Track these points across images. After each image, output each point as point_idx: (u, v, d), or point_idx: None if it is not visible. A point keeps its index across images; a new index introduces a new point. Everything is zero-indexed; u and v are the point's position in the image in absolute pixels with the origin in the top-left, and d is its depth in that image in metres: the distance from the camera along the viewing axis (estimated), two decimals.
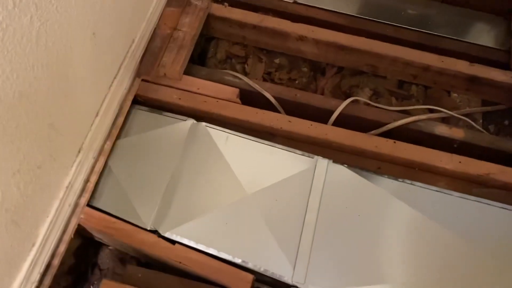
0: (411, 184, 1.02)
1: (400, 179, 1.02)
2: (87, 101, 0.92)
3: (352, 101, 1.17)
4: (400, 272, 0.93)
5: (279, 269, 0.93)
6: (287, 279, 0.92)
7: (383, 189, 1.01)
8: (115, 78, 1.02)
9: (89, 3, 0.81)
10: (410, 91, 1.30)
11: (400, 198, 1.00)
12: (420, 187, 1.02)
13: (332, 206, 0.99)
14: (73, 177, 0.91)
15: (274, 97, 1.17)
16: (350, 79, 1.32)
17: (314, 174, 1.02)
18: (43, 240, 0.85)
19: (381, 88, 1.29)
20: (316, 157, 1.04)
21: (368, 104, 1.20)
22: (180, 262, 0.92)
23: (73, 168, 0.91)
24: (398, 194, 1.00)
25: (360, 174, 1.02)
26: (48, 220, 0.86)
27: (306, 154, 1.05)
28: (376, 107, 1.20)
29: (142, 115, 1.11)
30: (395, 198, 1.00)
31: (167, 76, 1.12)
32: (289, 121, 1.10)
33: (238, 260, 0.93)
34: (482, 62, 1.21)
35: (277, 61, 1.34)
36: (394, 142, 1.08)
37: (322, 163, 1.03)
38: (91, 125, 0.96)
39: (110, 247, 1.17)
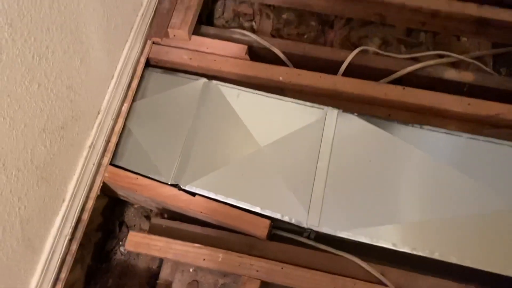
0: (420, 128, 1.04)
1: (409, 124, 1.04)
2: (102, 64, 0.95)
3: (361, 51, 1.18)
4: (411, 212, 0.97)
5: (294, 214, 0.97)
6: (302, 223, 0.96)
7: (393, 135, 1.03)
8: (127, 41, 1.05)
9: None
10: (419, 38, 1.29)
11: (410, 142, 1.02)
12: (430, 130, 1.04)
13: (343, 153, 1.02)
14: (95, 137, 0.96)
15: (283, 52, 1.19)
16: (359, 30, 1.32)
17: (324, 124, 1.05)
18: (72, 196, 0.91)
19: (390, 37, 1.29)
20: (326, 107, 1.07)
21: (377, 54, 1.21)
22: (201, 212, 0.97)
23: (94, 129, 0.96)
24: (408, 138, 1.03)
25: (370, 121, 1.05)
26: (75, 177, 0.92)
27: (316, 105, 1.07)
28: (385, 55, 1.21)
29: (155, 77, 1.14)
30: (405, 143, 1.02)
31: (176, 38, 1.15)
32: (299, 74, 1.12)
33: (256, 208, 0.98)
34: (491, 3, 1.20)
35: (284, 16, 1.35)
36: (403, 88, 1.09)
37: (332, 112, 1.06)
38: (108, 87, 1.00)
39: (135, 206, 1.23)
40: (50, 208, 0.86)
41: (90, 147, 0.95)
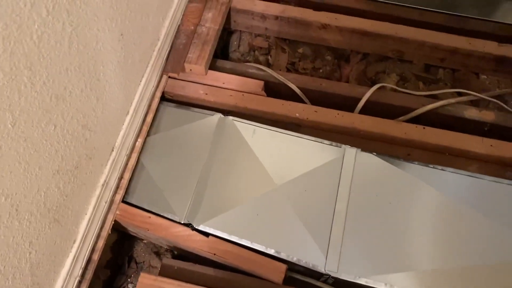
0: (442, 170, 1.01)
1: (430, 165, 1.02)
2: (118, 101, 0.94)
3: (379, 88, 1.16)
4: (432, 258, 0.93)
5: (311, 259, 0.94)
6: (320, 268, 0.93)
7: (414, 176, 1.00)
8: (143, 76, 1.04)
9: (115, 5, 0.83)
10: (438, 75, 1.28)
11: (431, 184, 0.99)
12: (451, 172, 1.01)
13: (362, 195, 0.99)
14: (108, 174, 0.94)
15: (299, 88, 1.17)
16: (376, 65, 1.31)
17: (342, 163, 1.02)
18: (83, 237, 0.88)
19: (407, 73, 1.27)
20: (344, 146, 1.04)
21: (395, 90, 1.19)
22: (214, 254, 0.94)
23: (108, 166, 0.94)
24: (429, 180, 1.00)
25: (389, 162, 1.02)
26: (87, 217, 0.89)
27: (334, 143, 1.05)
28: (404, 92, 1.19)
29: (170, 111, 1.13)
30: (426, 184, 0.99)
31: (193, 72, 1.14)
32: (315, 111, 1.10)
33: (271, 251, 0.95)
34: (511, 42, 1.18)
35: (300, 50, 1.34)
36: (424, 127, 1.07)
37: (351, 152, 1.03)
38: (123, 123, 0.98)
39: (144, 241, 1.20)
40: (61, 250, 0.83)
41: (103, 185, 0.93)
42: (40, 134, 0.69)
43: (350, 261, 0.93)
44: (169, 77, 1.14)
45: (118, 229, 1.09)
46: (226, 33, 1.36)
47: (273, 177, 1.02)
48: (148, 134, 1.08)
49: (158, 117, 1.12)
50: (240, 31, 1.36)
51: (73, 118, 0.77)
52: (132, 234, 1.15)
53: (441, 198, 0.98)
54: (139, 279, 0.94)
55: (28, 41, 0.62)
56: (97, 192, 0.92)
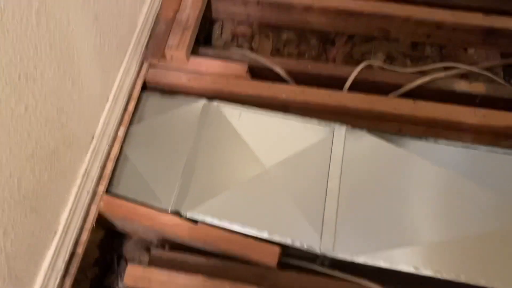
0: (434, 142, 0.98)
1: (423, 138, 0.99)
2: (96, 87, 0.91)
3: (366, 67, 1.13)
4: (431, 232, 0.89)
5: (306, 240, 0.90)
6: (315, 248, 0.89)
7: (406, 150, 0.97)
8: (122, 64, 1.01)
9: None
10: (425, 52, 1.25)
11: (424, 157, 0.96)
12: (445, 144, 0.98)
13: (354, 172, 0.96)
14: (89, 164, 0.90)
15: (285, 71, 1.14)
16: (362, 46, 1.28)
17: (332, 142, 0.99)
18: (65, 228, 0.84)
19: (394, 52, 1.25)
20: (333, 124, 1.01)
21: (382, 69, 1.17)
22: (204, 241, 0.90)
23: (88, 155, 0.90)
24: (422, 153, 0.97)
25: (380, 137, 0.99)
26: (68, 207, 0.85)
27: (323, 122, 1.02)
28: (391, 70, 1.16)
29: (153, 100, 1.09)
30: (419, 158, 0.96)
31: (174, 59, 1.11)
32: (303, 91, 1.07)
33: (263, 234, 0.91)
34: (497, 12, 1.16)
35: (284, 36, 1.32)
36: (414, 101, 1.04)
37: (340, 129, 1.00)
38: (102, 111, 0.95)
39: (134, 238, 1.16)
40: (41, 242, 0.79)
41: (84, 175, 0.89)
42: (8, 114, 0.65)
43: (346, 239, 0.90)
44: (150, 65, 1.10)
45: (104, 225, 1.05)
46: (208, 22, 1.34)
47: (261, 159, 0.99)
48: (130, 123, 1.05)
49: (141, 106, 1.08)
50: (222, 20, 1.33)
51: (46, 101, 0.74)
52: (120, 230, 1.10)
53: (436, 170, 0.95)
54: (127, 271, 0.89)
55: None
56: (78, 181, 0.88)
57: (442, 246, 0.88)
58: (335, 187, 0.94)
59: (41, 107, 0.72)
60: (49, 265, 0.81)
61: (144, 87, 1.10)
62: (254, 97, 1.07)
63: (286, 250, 0.95)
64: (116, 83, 0.98)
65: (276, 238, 0.91)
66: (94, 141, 0.92)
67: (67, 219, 0.85)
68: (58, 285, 0.84)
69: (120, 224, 1.01)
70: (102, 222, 0.99)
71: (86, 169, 0.89)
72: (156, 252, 0.96)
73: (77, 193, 0.87)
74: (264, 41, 1.30)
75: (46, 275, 0.80)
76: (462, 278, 0.85)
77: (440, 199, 0.92)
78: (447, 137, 1.00)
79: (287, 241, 0.90)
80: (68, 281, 0.86)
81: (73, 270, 0.87)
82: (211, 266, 0.92)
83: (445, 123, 1.03)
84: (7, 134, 0.65)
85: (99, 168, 0.94)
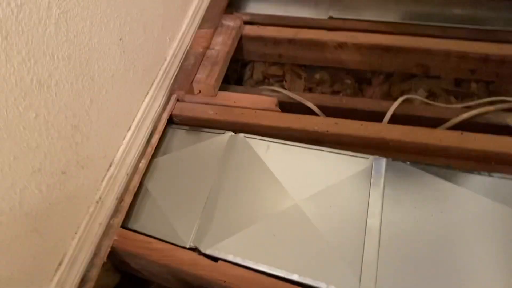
0: (488, 175, 0.86)
1: (475, 172, 0.87)
2: (118, 112, 0.87)
3: (406, 102, 1.05)
4: (492, 283, 0.75)
5: (342, 284, 0.77)
6: None
7: (456, 184, 0.85)
8: (147, 94, 0.98)
9: (113, 5, 0.79)
10: (470, 88, 1.16)
11: (477, 191, 0.84)
12: (500, 177, 0.85)
13: (397, 208, 0.84)
14: (104, 192, 0.84)
15: (317, 106, 1.08)
16: (401, 85, 1.21)
17: (371, 175, 0.89)
18: (71, 259, 0.76)
19: (436, 89, 1.17)
20: (371, 156, 0.92)
21: (425, 103, 1.08)
22: (224, 281, 0.79)
23: (104, 183, 0.84)
24: (474, 187, 0.85)
25: (425, 170, 0.88)
26: (77, 236, 0.78)
27: (359, 154, 0.93)
28: (435, 104, 1.07)
29: (178, 133, 1.04)
30: (470, 192, 0.84)
31: (202, 93, 1.07)
32: (336, 123, 0.99)
33: (293, 276, 0.79)
34: None
35: (317, 76, 1.27)
36: (461, 133, 0.93)
37: (380, 161, 0.90)
38: (123, 139, 0.90)
39: (152, 286, 1.05)
40: (42, 271, 0.71)
41: (97, 202, 0.82)
42: (15, 117, 0.61)
43: (389, 285, 0.76)
44: (178, 99, 1.07)
45: (119, 265, 0.96)
46: (240, 65, 1.32)
47: (291, 193, 0.89)
48: (153, 156, 0.99)
49: (165, 140, 1.03)
50: (254, 61, 1.31)
51: (59, 113, 0.70)
52: (136, 274, 1.01)
53: (495, 207, 0.82)
54: None
55: (3, 5, 0.56)
56: (91, 210, 0.81)
57: None
58: (376, 226, 0.83)
59: (53, 118, 0.68)
60: None
61: (171, 121, 1.07)
62: (284, 129, 1.00)
63: None
64: (140, 112, 0.95)
65: (309, 281, 0.78)
66: (112, 169, 0.86)
67: (74, 250, 0.77)
68: None
69: (135, 264, 0.92)
70: (116, 260, 0.90)
71: (100, 197, 0.83)
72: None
73: (88, 222, 0.80)
74: (296, 81, 1.26)
75: None
76: None
77: (498, 238, 0.78)
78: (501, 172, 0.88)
79: (321, 285, 0.78)
80: None
81: None
82: None
83: (499, 156, 0.91)
84: (12, 138, 0.61)
85: (115, 200, 0.87)
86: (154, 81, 1.00)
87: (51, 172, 0.69)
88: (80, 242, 0.78)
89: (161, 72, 1.02)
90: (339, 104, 1.07)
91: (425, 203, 0.84)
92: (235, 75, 1.30)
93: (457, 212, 0.82)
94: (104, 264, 0.97)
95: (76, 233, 0.78)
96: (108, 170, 0.86)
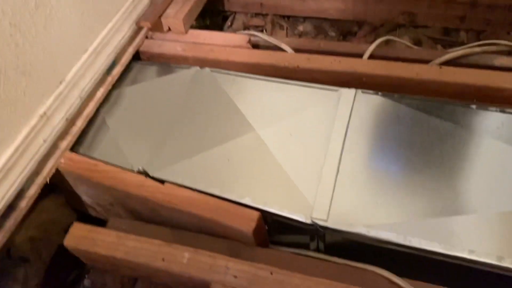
0: (467, 106, 0.78)
1: (449, 102, 0.80)
2: (71, 30, 0.83)
3: (388, 45, 0.99)
4: (452, 204, 0.67)
5: (295, 207, 0.70)
6: (306, 216, 0.69)
7: (433, 116, 0.78)
8: (110, 21, 0.93)
9: None
10: (459, 37, 1.09)
11: (457, 123, 0.76)
12: (477, 108, 0.78)
13: (362, 137, 0.78)
14: (51, 108, 0.79)
15: (294, 49, 1.02)
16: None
17: (338, 104, 0.82)
18: (4, 169, 0.71)
19: (423, 37, 1.10)
20: (340, 89, 0.85)
21: (408, 47, 1.01)
22: (169, 201, 0.73)
23: (51, 98, 0.79)
24: (453, 119, 0.77)
25: (397, 101, 0.81)
26: (13, 146, 0.73)
27: (328, 87, 0.86)
28: (417, 48, 1.00)
29: (143, 68, 0.99)
30: (450, 123, 0.76)
31: (172, 31, 1.03)
32: (308, 58, 0.93)
33: (245, 200, 0.72)
34: None
35: (300, 28, 1.22)
36: (440, 67, 0.87)
37: (348, 92, 0.84)
38: (78, 60, 0.86)
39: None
40: None
41: (42, 116, 0.77)
42: None
43: (347, 207, 0.69)
44: (146, 37, 1.03)
45: (71, 202, 0.91)
46: (222, 18, 1.27)
47: (251, 122, 0.83)
48: (114, 88, 0.95)
49: (130, 74, 0.98)
50: (235, 12, 1.26)
51: None
52: (87, 210, 0.94)
53: (469, 135, 0.74)
54: (70, 229, 0.73)
55: None
56: (33, 122, 0.76)
57: (478, 223, 0.65)
58: (337, 150, 0.76)
59: None
60: None
61: (138, 58, 1.02)
62: (253, 66, 0.95)
63: (275, 236, 0.76)
64: (99, 37, 0.90)
65: (260, 205, 0.72)
66: (62, 87, 0.82)
67: (8, 159, 0.72)
68: None
69: (81, 191, 0.86)
70: (63, 187, 0.85)
71: (45, 112, 0.78)
72: (113, 222, 0.79)
73: (29, 133, 0.75)
74: (278, 32, 1.21)
75: None
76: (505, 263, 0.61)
77: (472, 166, 0.71)
78: None
79: (272, 209, 0.71)
80: (1, 237, 0.70)
81: (9, 225, 0.72)
82: (175, 236, 0.74)
83: (481, 91, 0.83)
84: None
85: (64, 120, 0.82)
86: (119, 10, 0.96)
87: None
88: (17, 153, 0.73)
89: (127, 3, 0.97)
90: (317, 47, 1.01)
91: (395, 133, 0.77)
92: (217, 28, 1.26)
93: (430, 141, 0.75)
94: (56, 197, 0.93)
95: (12, 143, 0.73)
96: (57, 87, 0.81)
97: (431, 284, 0.65)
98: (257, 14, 1.24)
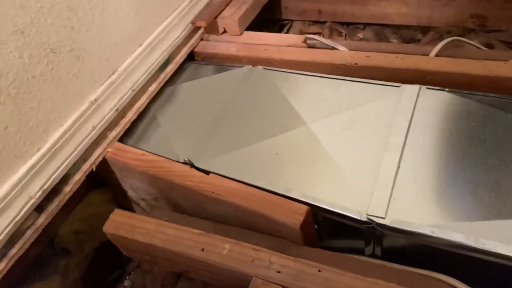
0: None
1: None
2: (127, 22, 0.83)
3: (456, 47, 0.92)
4: None
5: (348, 203, 0.64)
6: (361, 212, 0.62)
7: (509, 113, 0.69)
8: (166, 19, 0.94)
9: None
10: None
11: None
12: None
13: (426, 133, 0.70)
14: (102, 96, 0.79)
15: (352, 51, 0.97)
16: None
17: (400, 100, 0.76)
18: (51, 150, 0.70)
19: (494, 41, 1.01)
20: (403, 85, 0.79)
21: (477, 48, 0.93)
22: (212, 192, 0.68)
23: (103, 87, 0.79)
24: None
25: (466, 97, 0.73)
26: (62, 129, 0.72)
27: (390, 83, 0.80)
28: (487, 50, 0.92)
29: (197, 68, 0.99)
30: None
31: (227, 33, 1.02)
32: (367, 56, 0.88)
33: (293, 193, 0.66)
34: None
35: (360, 35, 1.17)
36: None
37: (412, 88, 0.77)
38: (131, 52, 0.86)
39: None
40: (15, 147, 0.66)
41: (92, 104, 0.77)
42: None
43: (408, 204, 0.61)
44: (202, 39, 1.03)
45: (114, 196, 0.89)
46: (279, 27, 1.26)
47: (303, 116, 0.78)
48: (167, 85, 0.94)
49: (184, 73, 0.98)
50: (292, 20, 1.24)
51: None
52: (129, 207, 0.92)
53: None
54: (111, 216, 0.70)
55: None
56: (83, 107, 0.76)
57: None
58: (398, 145, 0.69)
59: None
60: (19, 182, 0.66)
61: (193, 59, 1.02)
62: (309, 64, 0.91)
63: (324, 241, 0.69)
64: (154, 33, 0.91)
65: (308, 199, 0.66)
66: (114, 76, 0.82)
67: (57, 141, 0.71)
68: (30, 215, 0.68)
69: (125, 182, 0.84)
70: (107, 177, 0.84)
71: (96, 99, 0.78)
72: (156, 212, 0.76)
73: (78, 118, 0.75)
74: (336, 39, 1.16)
75: (13, 190, 0.65)
76: None
77: None
78: None
79: (321, 204, 0.65)
80: (42, 219, 0.69)
81: (52, 208, 0.71)
82: (218, 230, 0.69)
83: None
84: None
85: (115, 111, 0.82)
86: (176, 9, 0.96)
87: (36, 42, 0.66)
88: (65, 137, 0.73)
89: (185, 3, 0.98)
90: (378, 49, 0.96)
91: (466, 129, 0.69)
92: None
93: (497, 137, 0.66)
94: (103, 192, 0.92)
95: (61, 125, 0.73)
96: (110, 76, 0.81)
97: None
98: (315, 22, 1.21)
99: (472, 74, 0.78)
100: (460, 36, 1.07)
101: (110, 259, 0.94)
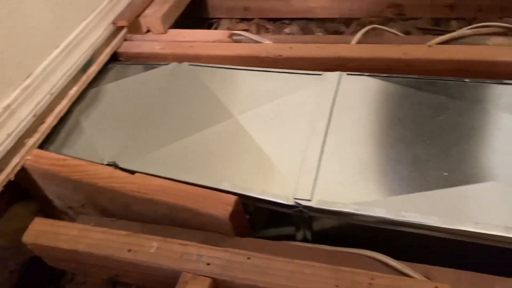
0: (461, 81, 0.73)
1: (442, 77, 0.74)
2: (43, 23, 0.80)
3: (375, 35, 0.95)
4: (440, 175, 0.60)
5: (275, 189, 0.64)
6: (288, 197, 0.62)
7: (424, 91, 0.73)
8: (85, 18, 0.90)
9: None
10: (450, 27, 1.05)
11: (451, 96, 0.71)
12: (473, 82, 0.72)
13: (347, 115, 0.72)
14: (16, 102, 0.74)
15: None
16: None
17: (322, 87, 0.77)
18: None
19: (412, 29, 1.06)
20: (324, 72, 0.80)
21: (396, 35, 0.97)
22: (138, 192, 0.66)
23: (17, 92, 0.75)
24: (446, 93, 0.72)
25: (384, 80, 0.76)
26: None
27: (311, 72, 0.81)
28: (405, 36, 0.96)
29: (121, 68, 0.96)
30: (443, 97, 0.71)
31: (151, 32, 1.00)
32: (290, 47, 0.89)
33: (223, 185, 0.66)
34: None
35: (286, 30, 1.18)
36: (429, 45, 0.82)
37: (333, 75, 0.79)
38: (47, 55, 0.82)
39: None
40: None
41: (5, 108, 0.73)
42: None
43: (332, 185, 0.62)
44: (125, 40, 1.00)
45: (49, 215, 0.85)
46: (206, 26, 1.25)
47: (231, 109, 0.78)
48: (90, 87, 0.90)
49: (107, 74, 0.94)
50: (220, 18, 1.24)
51: None
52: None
53: (465, 107, 0.69)
54: (30, 225, 0.66)
55: None
56: None
57: (479, 194, 0.58)
58: (321, 130, 0.70)
59: None
60: None
61: (117, 59, 0.99)
62: (234, 58, 0.91)
63: (258, 231, 0.69)
64: (72, 34, 0.87)
65: (239, 191, 0.65)
66: (29, 81, 0.77)
67: None
68: None
69: (48, 189, 0.80)
70: (32, 189, 0.79)
71: (9, 105, 0.73)
72: (83, 219, 0.73)
73: None
74: (263, 35, 1.17)
75: None
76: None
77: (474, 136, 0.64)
78: None
79: (251, 194, 0.64)
80: None
81: None
82: (146, 230, 0.66)
83: (474, 66, 0.78)
84: None
85: (32, 117, 0.77)
86: (95, 8, 0.93)
87: None
88: None
89: (104, 2, 0.95)
90: (302, 42, 0.97)
91: (385, 110, 0.71)
92: None
93: (421, 115, 0.69)
94: (28, 204, 0.87)
95: None
96: (24, 80, 0.77)
97: (432, 265, 0.57)
98: (242, 19, 1.22)
99: (389, 58, 0.82)
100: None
101: (42, 274, 0.88)
